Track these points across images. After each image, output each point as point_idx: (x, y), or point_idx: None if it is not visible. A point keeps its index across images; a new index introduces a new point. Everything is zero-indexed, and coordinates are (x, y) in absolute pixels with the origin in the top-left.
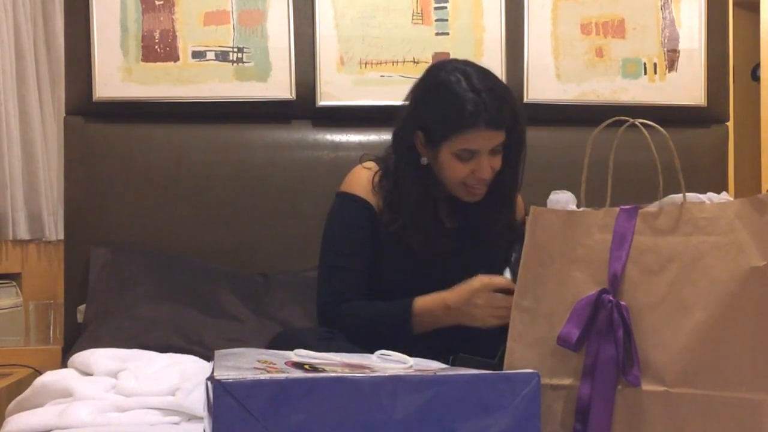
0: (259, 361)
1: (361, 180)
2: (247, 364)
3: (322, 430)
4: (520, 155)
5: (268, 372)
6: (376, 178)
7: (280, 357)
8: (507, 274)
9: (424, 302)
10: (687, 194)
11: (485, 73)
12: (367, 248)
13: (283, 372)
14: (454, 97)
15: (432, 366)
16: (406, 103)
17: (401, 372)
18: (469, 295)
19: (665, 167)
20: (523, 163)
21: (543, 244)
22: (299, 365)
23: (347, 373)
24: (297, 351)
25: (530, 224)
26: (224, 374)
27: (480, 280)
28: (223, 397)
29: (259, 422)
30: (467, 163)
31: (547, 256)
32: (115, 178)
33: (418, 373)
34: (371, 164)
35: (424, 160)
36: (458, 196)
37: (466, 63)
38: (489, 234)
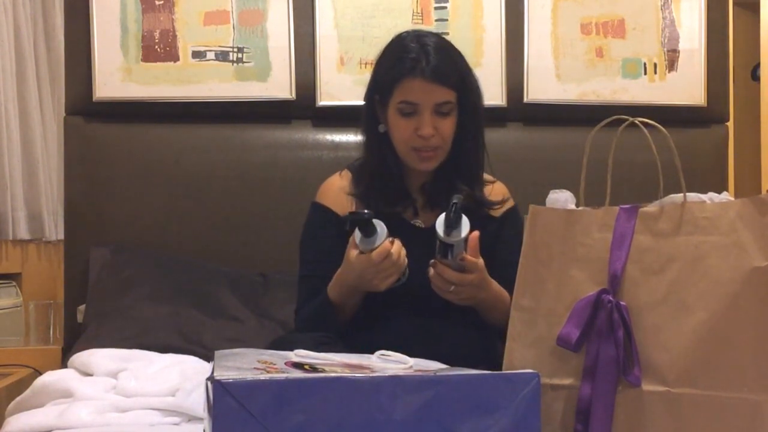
0: (259, 361)
1: (332, 188)
2: (246, 364)
3: (322, 430)
4: (474, 128)
5: (268, 372)
6: (348, 180)
7: (280, 357)
8: (439, 228)
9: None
10: (688, 194)
11: (441, 38)
12: (332, 255)
13: (283, 372)
14: (399, 50)
15: (432, 366)
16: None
17: (401, 372)
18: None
19: (665, 167)
20: (481, 140)
21: (542, 243)
22: (299, 365)
23: (347, 374)
24: (297, 351)
25: (529, 223)
26: (224, 374)
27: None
28: (224, 397)
29: (259, 422)
30: (410, 120)
31: (546, 255)
32: (115, 178)
33: (417, 373)
34: (345, 172)
35: (382, 128)
36: (411, 164)
37: (430, 31)
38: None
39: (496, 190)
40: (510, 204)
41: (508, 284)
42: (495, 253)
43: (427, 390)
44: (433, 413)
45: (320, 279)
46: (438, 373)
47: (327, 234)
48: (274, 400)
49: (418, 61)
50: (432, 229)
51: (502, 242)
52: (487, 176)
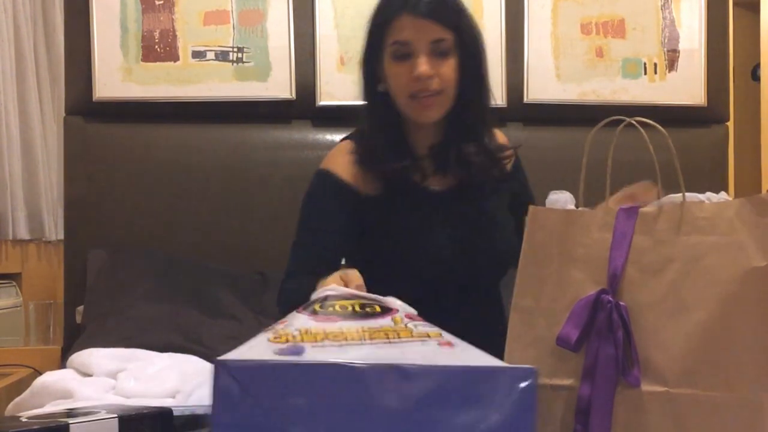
0: (274, 334)
1: (340, 153)
2: (260, 341)
3: (319, 413)
4: (478, 73)
5: (276, 339)
6: (352, 146)
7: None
8: None
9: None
10: (686, 194)
11: None
12: (333, 225)
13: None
14: None
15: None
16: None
17: (398, 362)
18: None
19: (665, 167)
20: (486, 87)
21: (541, 243)
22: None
23: (345, 361)
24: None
25: (528, 224)
26: (230, 356)
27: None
28: (225, 379)
29: (257, 403)
30: (405, 63)
31: (545, 255)
32: (115, 178)
33: (414, 363)
34: (347, 141)
35: (382, 86)
36: (413, 116)
37: None
38: (471, 181)
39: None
40: (511, 153)
41: None
42: (520, 203)
43: (423, 380)
44: (428, 404)
45: (316, 249)
46: (434, 364)
47: (330, 200)
48: (274, 383)
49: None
50: (448, 192)
51: (522, 188)
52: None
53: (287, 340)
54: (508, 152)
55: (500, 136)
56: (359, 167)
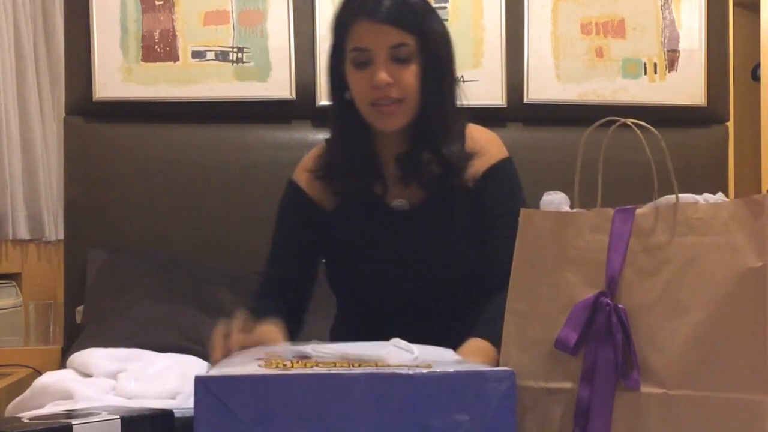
0: (265, 354)
1: (307, 165)
2: (246, 360)
3: (299, 424)
4: (440, 78)
5: (268, 365)
6: (315, 155)
7: (291, 352)
8: None
9: None
10: (682, 195)
11: None
12: (301, 238)
13: (284, 365)
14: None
15: (437, 354)
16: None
17: (375, 370)
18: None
19: (662, 167)
20: (451, 93)
21: (534, 246)
22: (305, 356)
23: (322, 370)
24: (313, 345)
25: (521, 227)
26: (212, 372)
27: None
28: (204, 393)
29: (237, 417)
30: (365, 71)
31: (538, 258)
32: (115, 178)
33: (391, 370)
34: (320, 145)
35: (348, 95)
36: (375, 124)
37: None
38: (435, 191)
39: (475, 143)
40: (488, 163)
41: (499, 262)
42: (480, 226)
43: (402, 386)
44: (407, 409)
45: (279, 264)
46: (414, 371)
47: (291, 214)
48: (252, 396)
49: (364, 4)
50: (417, 209)
51: (487, 202)
52: (477, 129)
53: (277, 366)
54: (471, 162)
55: (488, 139)
56: (315, 179)
